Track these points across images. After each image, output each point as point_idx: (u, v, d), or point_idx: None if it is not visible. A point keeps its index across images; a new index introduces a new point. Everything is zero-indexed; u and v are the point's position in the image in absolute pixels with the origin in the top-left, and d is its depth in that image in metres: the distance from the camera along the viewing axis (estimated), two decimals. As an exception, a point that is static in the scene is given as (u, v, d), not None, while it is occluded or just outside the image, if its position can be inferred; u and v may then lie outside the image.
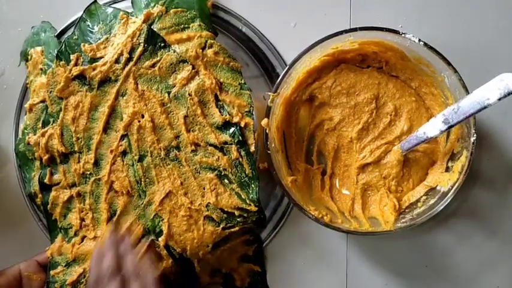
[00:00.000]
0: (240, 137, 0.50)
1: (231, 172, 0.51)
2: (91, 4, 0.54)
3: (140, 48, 0.51)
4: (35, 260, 0.53)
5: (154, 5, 0.53)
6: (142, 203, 0.52)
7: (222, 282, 0.55)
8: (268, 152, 0.50)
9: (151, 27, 0.52)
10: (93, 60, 0.52)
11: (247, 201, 0.50)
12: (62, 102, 0.52)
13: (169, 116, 0.51)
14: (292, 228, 0.56)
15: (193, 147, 0.51)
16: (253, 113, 0.51)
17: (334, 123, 0.54)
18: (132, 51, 0.51)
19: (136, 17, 0.52)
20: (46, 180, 0.53)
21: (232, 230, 0.51)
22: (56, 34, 0.56)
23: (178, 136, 0.51)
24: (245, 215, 0.51)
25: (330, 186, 0.55)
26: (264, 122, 0.50)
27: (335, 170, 0.55)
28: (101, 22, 0.53)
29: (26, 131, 0.54)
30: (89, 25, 0.53)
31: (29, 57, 0.56)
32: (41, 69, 0.54)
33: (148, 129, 0.51)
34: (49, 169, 0.53)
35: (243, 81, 0.51)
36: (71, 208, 0.53)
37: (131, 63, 0.51)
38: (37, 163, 0.54)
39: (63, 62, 0.52)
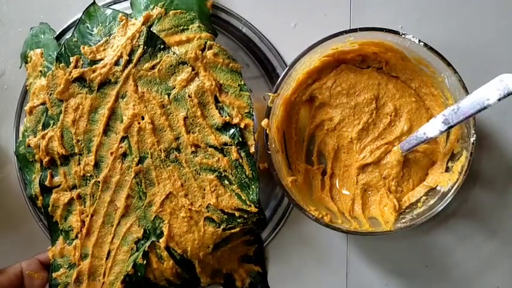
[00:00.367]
0: (240, 138, 0.50)
1: (231, 173, 0.51)
2: (90, 5, 0.54)
3: (140, 50, 0.51)
4: (37, 258, 0.53)
5: (154, 7, 0.52)
6: (142, 205, 0.52)
7: (222, 282, 0.56)
8: (269, 152, 0.50)
9: (151, 29, 0.52)
10: (93, 62, 0.52)
11: (248, 202, 0.50)
12: (62, 105, 0.52)
13: (169, 118, 0.51)
14: (293, 229, 0.57)
15: (193, 148, 0.51)
16: (253, 113, 0.51)
17: (334, 123, 0.54)
18: (131, 53, 0.51)
19: (136, 19, 0.52)
20: (47, 183, 0.53)
21: (233, 230, 0.51)
22: (55, 36, 0.56)
23: (179, 138, 0.51)
24: (245, 216, 0.51)
25: (330, 186, 0.55)
26: (264, 122, 0.50)
27: (335, 170, 0.55)
28: (100, 24, 0.53)
29: (26, 133, 0.54)
30: (88, 27, 0.53)
31: (29, 59, 0.56)
32: (41, 71, 0.54)
33: (149, 131, 0.51)
34: (49, 171, 0.53)
35: (242, 83, 0.51)
36: (71, 210, 0.53)
37: (131, 65, 0.51)
38: (37, 165, 0.54)
39: (63, 64, 0.52)
